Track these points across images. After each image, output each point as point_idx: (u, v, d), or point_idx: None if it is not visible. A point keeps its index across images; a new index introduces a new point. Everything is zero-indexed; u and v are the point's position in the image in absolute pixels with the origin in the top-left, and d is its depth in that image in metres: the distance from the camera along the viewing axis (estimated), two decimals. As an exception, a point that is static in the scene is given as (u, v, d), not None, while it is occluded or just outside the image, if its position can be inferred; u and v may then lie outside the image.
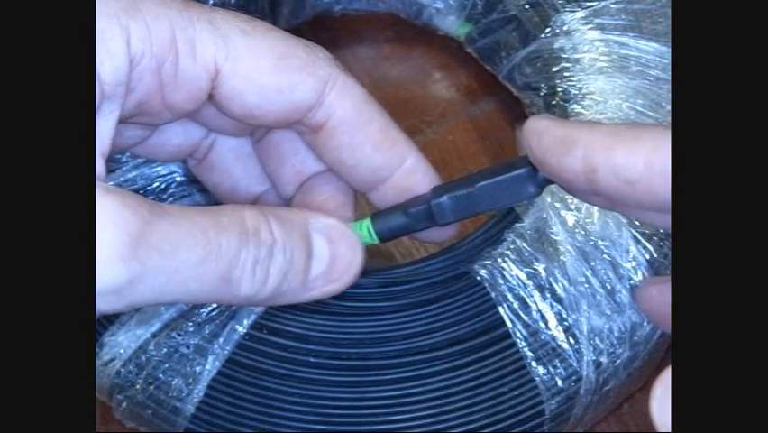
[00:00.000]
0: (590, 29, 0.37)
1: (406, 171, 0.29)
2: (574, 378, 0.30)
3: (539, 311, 0.30)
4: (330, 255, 0.27)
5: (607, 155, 0.22)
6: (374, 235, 0.28)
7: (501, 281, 0.31)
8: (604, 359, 0.30)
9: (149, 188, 0.32)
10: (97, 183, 0.22)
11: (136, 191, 0.32)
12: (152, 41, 0.25)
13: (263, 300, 0.26)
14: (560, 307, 0.30)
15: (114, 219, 0.21)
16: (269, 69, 0.26)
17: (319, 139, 0.28)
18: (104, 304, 0.22)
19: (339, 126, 0.28)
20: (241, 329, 0.31)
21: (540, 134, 0.24)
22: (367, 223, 0.28)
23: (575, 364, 0.30)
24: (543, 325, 0.30)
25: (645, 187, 0.21)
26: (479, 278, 0.31)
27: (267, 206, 0.27)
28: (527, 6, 0.39)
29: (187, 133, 0.29)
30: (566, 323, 0.30)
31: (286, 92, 0.27)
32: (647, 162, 0.21)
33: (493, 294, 0.31)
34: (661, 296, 0.26)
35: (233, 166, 0.31)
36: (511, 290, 0.31)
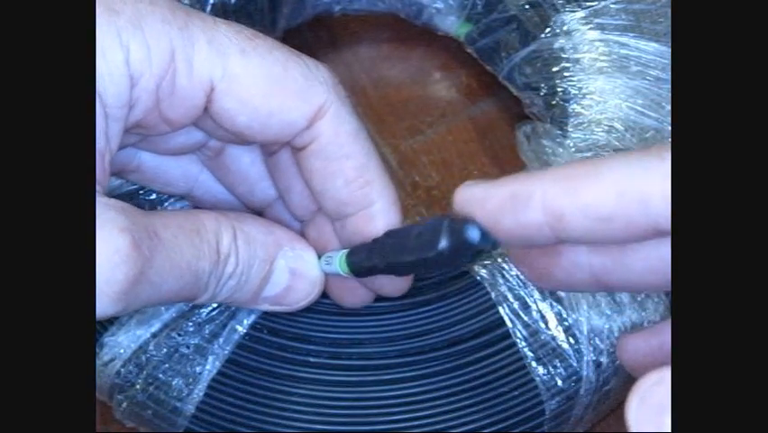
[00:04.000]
0: (590, 29, 0.37)
1: (367, 216, 0.28)
2: (574, 378, 0.30)
3: (539, 311, 0.30)
4: (287, 285, 0.29)
5: (572, 198, 0.20)
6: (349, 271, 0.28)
7: (501, 281, 0.31)
8: (604, 359, 0.30)
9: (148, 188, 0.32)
10: (112, 223, 0.23)
11: (136, 192, 0.32)
12: (152, 61, 0.25)
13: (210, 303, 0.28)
14: (560, 307, 0.30)
15: (125, 260, 0.23)
16: (262, 93, 0.26)
17: (298, 157, 0.28)
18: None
19: (317, 152, 0.28)
20: (241, 329, 0.31)
21: (482, 201, 0.22)
22: (343, 255, 0.28)
23: (575, 364, 0.30)
24: (543, 325, 0.30)
25: (623, 220, 0.20)
26: (479, 278, 0.31)
27: (247, 219, 0.28)
28: (527, 6, 0.39)
29: (188, 131, 0.29)
30: (566, 323, 0.30)
31: (276, 116, 0.26)
32: (619, 193, 0.20)
33: (493, 294, 0.31)
34: (646, 346, 0.24)
35: (249, 169, 0.30)
36: (511, 290, 0.31)
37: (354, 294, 0.30)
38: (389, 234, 0.27)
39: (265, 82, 0.26)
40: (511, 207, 0.21)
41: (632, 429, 0.19)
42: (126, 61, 0.24)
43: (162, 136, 0.28)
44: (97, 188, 0.24)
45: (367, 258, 0.27)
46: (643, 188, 0.20)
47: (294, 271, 0.29)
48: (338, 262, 0.28)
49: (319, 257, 0.29)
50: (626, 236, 0.21)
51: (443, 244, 0.23)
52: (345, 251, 0.28)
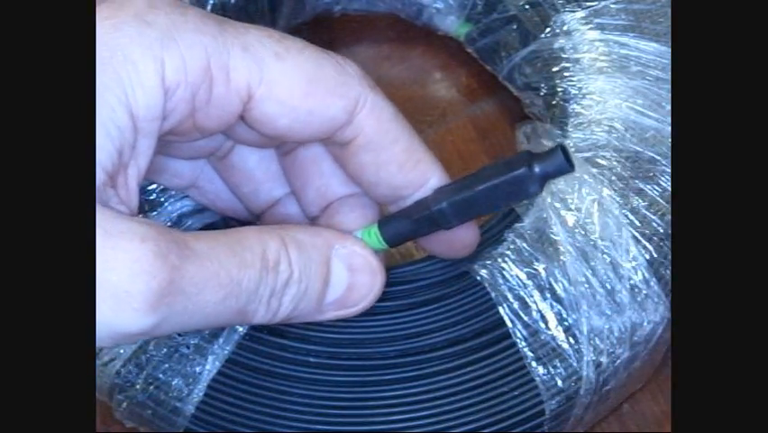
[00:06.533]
0: (590, 29, 0.37)
1: (427, 191, 0.28)
2: (574, 378, 0.30)
3: (539, 311, 0.30)
4: (348, 283, 0.28)
5: None
6: (383, 242, 0.28)
7: (501, 281, 0.31)
8: (604, 359, 0.30)
9: (149, 188, 0.32)
10: (132, 232, 0.22)
11: (136, 191, 0.32)
12: (187, 71, 0.24)
13: (276, 323, 0.27)
14: (560, 307, 0.30)
15: (147, 270, 0.22)
16: (301, 93, 0.26)
17: (344, 154, 0.28)
18: (131, 341, 0.23)
19: (365, 145, 0.28)
20: (241, 329, 0.31)
21: None
22: (375, 230, 0.28)
23: (575, 364, 0.30)
24: (543, 325, 0.30)
25: None
26: (479, 278, 0.31)
27: (291, 227, 0.27)
28: (527, 6, 0.39)
29: (213, 137, 0.29)
30: (566, 323, 0.30)
31: (317, 114, 0.27)
32: None
33: (493, 294, 0.31)
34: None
35: (255, 169, 0.30)
36: (511, 290, 0.31)
37: None
38: (440, 188, 0.28)
39: (302, 82, 0.26)
40: None
41: None
42: (160, 73, 0.24)
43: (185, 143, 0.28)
44: (122, 208, 0.24)
45: (408, 217, 0.28)
46: None
47: (351, 268, 0.28)
48: (361, 238, 0.29)
49: None
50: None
51: (532, 189, 0.25)
52: (368, 227, 0.29)
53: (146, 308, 0.22)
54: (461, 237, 0.30)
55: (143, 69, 0.24)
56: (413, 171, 0.28)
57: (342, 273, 0.28)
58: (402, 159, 0.28)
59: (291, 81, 0.26)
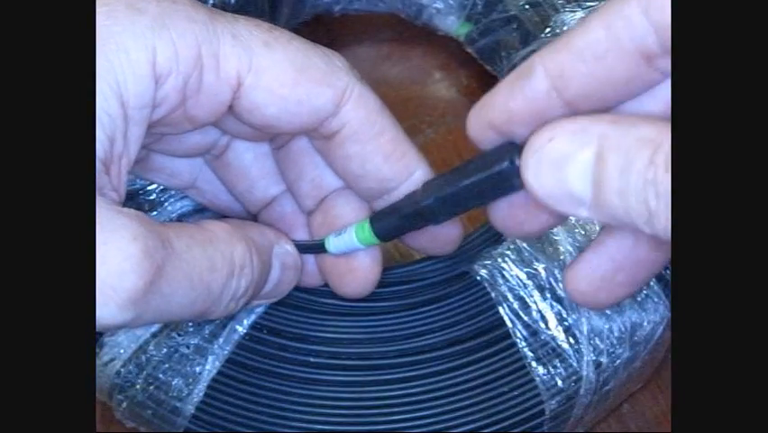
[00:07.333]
0: (590, 29, 0.37)
1: (412, 184, 0.28)
2: (574, 378, 0.30)
3: (539, 311, 0.31)
4: (278, 280, 0.29)
5: (567, 49, 0.22)
6: (374, 237, 0.28)
7: (501, 281, 0.31)
8: (604, 359, 0.30)
9: (149, 188, 0.32)
10: (124, 229, 0.22)
11: (136, 191, 0.32)
12: (179, 59, 0.25)
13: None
14: (560, 307, 0.30)
15: (136, 268, 0.22)
16: (289, 82, 0.26)
17: (330, 147, 0.28)
18: (103, 330, 0.23)
19: (351, 136, 0.28)
20: (241, 329, 0.31)
21: (488, 103, 0.25)
22: (367, 225, 0.28)
23: (575, 364, 0.30)
24: (543, 325, 0.30)
25: (616, 52, 0.21)
26: (479, 278, 0.31)
27: (248, 226, 0.28)
28: (527, 6, 0.39)
29: (205, 131, 0.29)
30: (566, 323, 0.30)
31: (305, 103, 0.27)
32: (606, 26, 0.21)
33: (493, 294, 0.31)
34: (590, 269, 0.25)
35: (251, 166, 0.31)
36: (511, 290, 0.31)
37: (355, 277, 0.30)
38: (429, 182, 0.27)
39: (291, 71, 0.26)
40: (518, 85, 0.23)
41: (532, 186, 0.20)
42: (151, 61, 0.24)
43: (178, 137, 0.28)
44: (113, 195, 0.24)
45: (398, 212, 0.28)
46: (623, 12, 0.21)
47: (284, 266, 0.29)
48: (355, 233, 0.29)
49: (322, 244, 0.29)
50: (623, 73, 0.21)
51: (517, 183, 0.24)
52: (362, 222, 0.29)
53: (128, 304, 0.22)
54: (445, 233, 0.30)
55: (135, 58, 0.24)
56: (398, 163, 0.28)
57: (276, 271, 0.29)
58: (388, 150, 0.28)
59: (280, 70, 0.26)
